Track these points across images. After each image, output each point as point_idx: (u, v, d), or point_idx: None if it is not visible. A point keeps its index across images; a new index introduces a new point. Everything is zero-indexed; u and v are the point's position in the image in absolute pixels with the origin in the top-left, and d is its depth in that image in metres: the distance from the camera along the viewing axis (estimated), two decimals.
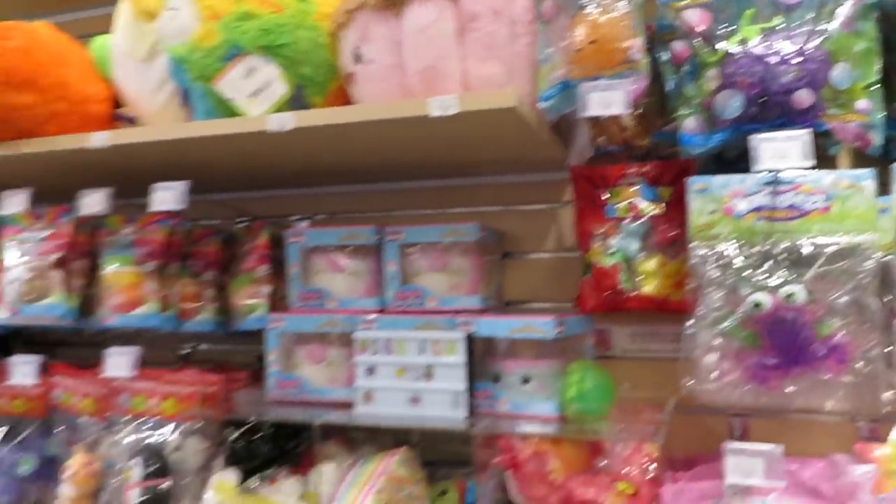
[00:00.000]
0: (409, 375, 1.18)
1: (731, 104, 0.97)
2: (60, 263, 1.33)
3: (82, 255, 1.38)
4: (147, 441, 1.32)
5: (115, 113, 1.36)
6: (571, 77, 1.01)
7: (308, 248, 1.36)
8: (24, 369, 1.32)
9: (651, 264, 1.20)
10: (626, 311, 1.23)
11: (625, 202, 1.20)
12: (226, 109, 1.18)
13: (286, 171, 1.40)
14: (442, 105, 1.00)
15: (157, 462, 1.30)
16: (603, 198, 1.21)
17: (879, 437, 1.07)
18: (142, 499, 1.28)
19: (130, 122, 1.32)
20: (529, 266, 1.44)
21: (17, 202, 1.31)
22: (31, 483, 1.50)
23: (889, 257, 0.96)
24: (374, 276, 1.34)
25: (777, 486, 0.90)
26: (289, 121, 1.10)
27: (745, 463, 0.92)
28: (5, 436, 1.50)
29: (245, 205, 1.57)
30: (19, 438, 1.51)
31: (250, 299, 1.38)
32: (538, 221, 1.43)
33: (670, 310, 1.20)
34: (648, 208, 1.20)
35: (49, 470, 1.50)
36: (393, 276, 1.32)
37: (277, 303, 1.40)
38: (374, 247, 1.33)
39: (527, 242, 1.44)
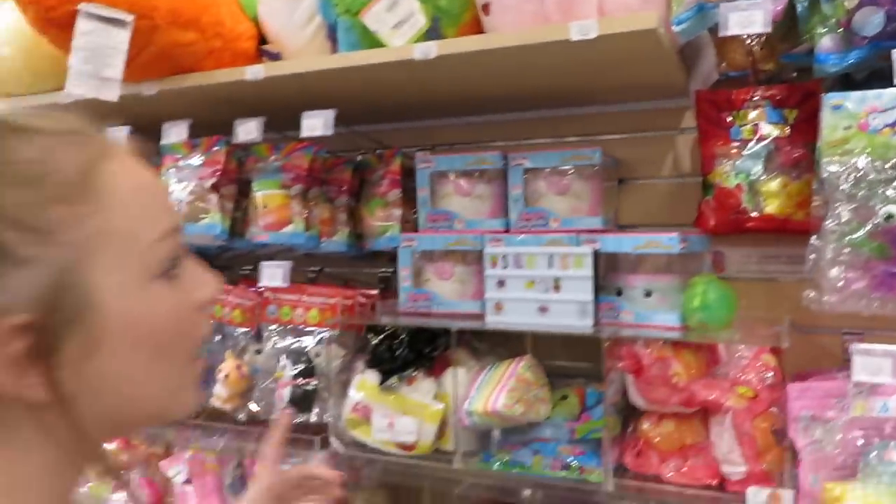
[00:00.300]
0: (538, 287, 1.28)
1: (872, 21, 0.99)
2: (215, 188, 1.48)
3: (232, 180, 1.53)
4: (294, 346, 1.48)
5: (261, 49, 1.47)
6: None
7: (437, 172, 1.46)
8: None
9: (774, 185, 1.25)
10: (746, 232, 1.28)
11: (749, 124, 1.24)
12: (369, 42, 1.27)
13: (420, 101, 1.49)
14: (582, 29, 1.06)
15: (305, 364, 1.45)
16: (728, 120, 1.26)
17: None
18: (293, 396, 1.44)
19: (275, 57, 1.43)
20: (644, 192, 1.50)
21: (176, 133, 1.45)
22: None
23: None
24: (498, 199, 1.44)
25: None
26: (432, 49, 1.18)
27: (872, 363, 0.98)
28: None
29: (379, 136, 1.68)
30: None
31: (383, 221, 1.50)
32: (655, 148, 1.48)
33: (791, 229, 1.24)
34: (773, 130, 1.24)
35: (205, 375, 1.69)
36: (517, 199, 1.40)
37: (405, 226, 1.52)
38: (500, 171, 1.42)
39: (643, 168, 1.50)
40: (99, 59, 1.27)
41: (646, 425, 1.27)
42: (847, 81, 1.17)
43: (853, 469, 1.07)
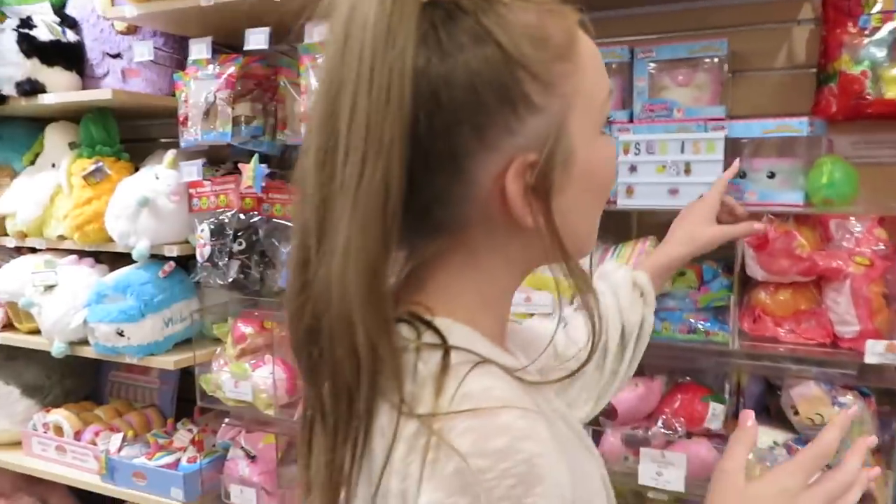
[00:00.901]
0: (670, 171, 1.40)
1: None
2: None
3: None
4: None
5: None
6: None
7: None
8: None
9: None
10: (866, 118, 1.38)
11: (878, 12, 1.32)
12: None
13: None
14: None
15: None
16: (857, 8, 1.33)
17: None
18: None
19: None
20: (756, 83, 1.59)
21: (318, 33, 1.55)
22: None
23: None
24: (619, 92, 1.53)
25: None
26: None
27: None
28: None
29: None
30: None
31: None
32: (769, 41, 1.56)
33: None
34: None
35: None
36: (641, 91, 1.50)
37: None
38: (626, 65, 1.51)
39: (755, 60, 1.58)
40: None
41: (762, 294, 1.41)
42: None
43: None
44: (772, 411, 1.48)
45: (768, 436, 1.39)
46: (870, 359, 1.26)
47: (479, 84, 0.56)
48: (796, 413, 1.36)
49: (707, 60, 1.48)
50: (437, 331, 0.61)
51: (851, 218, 1.34)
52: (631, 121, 1.51)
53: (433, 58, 0.55)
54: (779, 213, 1.36)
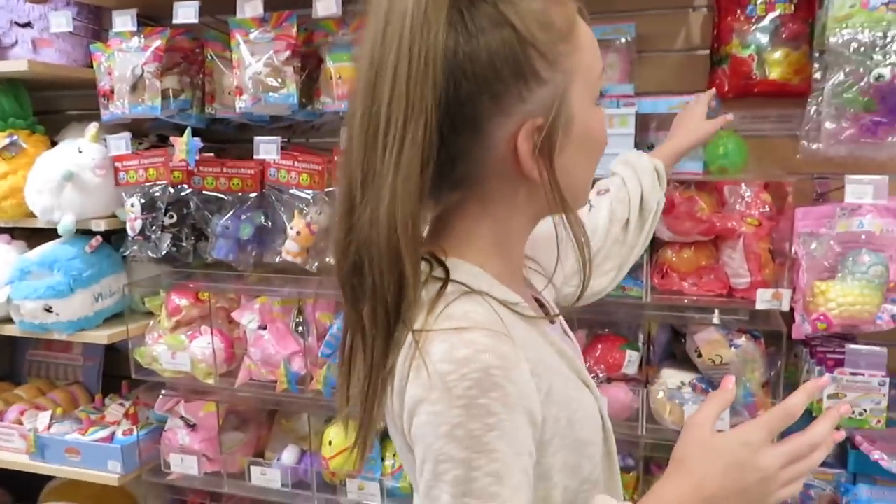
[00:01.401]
0: None
1: None
2: (288, 61, 1.63)
3: (299, 54, 1.68)
4: None
5: None
6: None
7: None
8: (267, 147, 1.66)
9: (778, 55, 1.53)
10: (753, 96, 1.57)
11: (762, 3, 1.50)
12: None
13: None
14: None
15: None
16: None
17: None
18: None
19: None
20: (658, 63, 1.76)
21: (251, 7, 1.58)
22: (249, 244, 1.89)
23: None
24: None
25: (881, 203, 1.30)
26: None
27: (859, 189, 1.31)
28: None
29: None
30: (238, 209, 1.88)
31: None
32: (671, 24, 1.72)
33: (788, 93, 1.54)
34: (780, 7, 1.50)
35: (263, 235, 1.89)
36: None
37: None
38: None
39: (658, 42, 1.74)
40: None
41: (668, 253, 1.59)
42: None
43: (834, 271, 1.43)
44: (678, 356, 1.68)
45: (676, 377, 1.59)
46: (760, 306, 1.47)
47: (498, 60, 0.68)
48: (699, 356, 1.56)
49: (617, 42, 1.62)
50: (445, 267, 0.74)
51: (742, 184, 1.54)
52: None
53: (460, 38, 0.67)
54: (682, 181, 1.54)
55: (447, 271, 0.74)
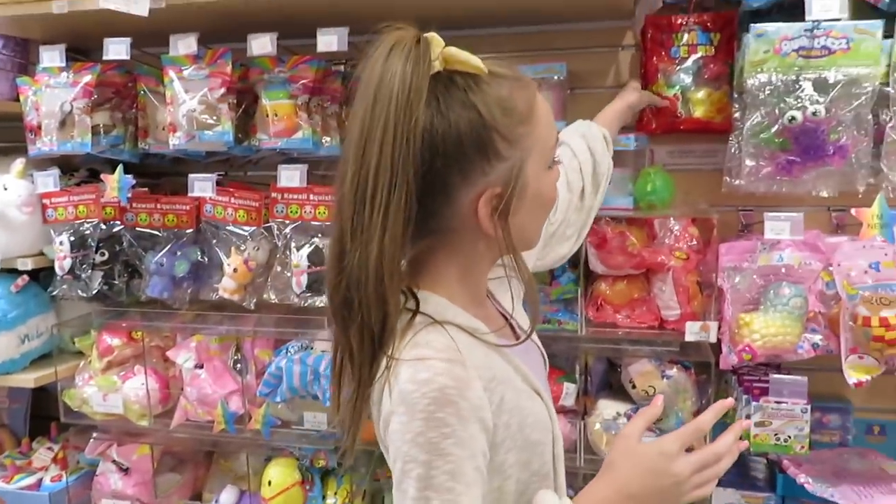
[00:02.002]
0: None
1: None
2: (223, 98, 1.62)
3: (234, 91, 1.66)
4: (311, 239, 1.68)
5: None
6: None
7: None
8: (202, 185, 1.64)
9: (700, 94, 1.59)
10: (679, 133, 1.63)
11: (685, 45, 1.57)
12: None
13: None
14: None
15: (318, 255, 1.67)
16: (669, 41, 1.57)
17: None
18: (310, 281, 1.67)
19: None
20: (591, 100, 1.81)
21: (185, 45, 1.57)
22: (185, 282, 1.85)
23: (880, 86, 1.38)
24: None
25: (798, 239, 1.36)
26: None
27: (777, 225, 1.37)
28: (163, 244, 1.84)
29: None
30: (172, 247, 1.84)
31: None
32: (601, 63, 1.78)
33: (711, 130, 1.60)
34: (702, 50, 1.57)
35: (198, 272, 1.86)
36: None
37: None
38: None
39: (590, 80, 1.80)
40: None
41: (602, 286, 1.63)
42: (755, 13, 1.51)
43: (757, 303, 1.49)
44: (614, 386, 1.72)
45: (612, 408, 1.62)
46: (689, 337, 1.51)
47: (465, 140, 0.82)
48: (634, 387, 1.60)
49: (550, 80, 1.67)
50: (416, 299, 0.88)
51: (671, 219, 1.59)
52: None
53: (435, 120, 0.81)
54: (614, 217, 1.58)
55: (417, 303, 0.88)
